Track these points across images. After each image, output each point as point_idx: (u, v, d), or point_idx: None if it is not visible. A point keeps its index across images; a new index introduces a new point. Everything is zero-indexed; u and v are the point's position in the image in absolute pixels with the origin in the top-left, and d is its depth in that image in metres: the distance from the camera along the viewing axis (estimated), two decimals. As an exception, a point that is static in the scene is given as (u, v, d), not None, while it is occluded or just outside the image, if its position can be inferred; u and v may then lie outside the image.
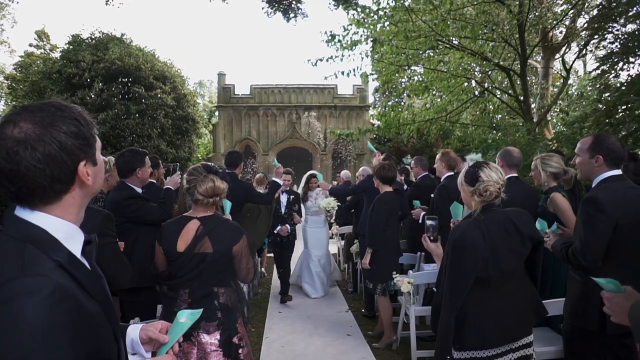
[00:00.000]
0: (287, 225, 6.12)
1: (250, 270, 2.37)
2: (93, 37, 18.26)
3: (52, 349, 0.80)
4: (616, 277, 1.70)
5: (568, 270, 2.63)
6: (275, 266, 6.58)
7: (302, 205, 6.56)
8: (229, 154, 4.77)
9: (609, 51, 7.93)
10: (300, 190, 6.70)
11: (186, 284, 2.23)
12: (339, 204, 6.27)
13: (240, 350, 2.29)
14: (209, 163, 2.42)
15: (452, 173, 4.47)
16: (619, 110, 6.15)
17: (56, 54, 20.20)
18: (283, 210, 6.18)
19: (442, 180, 4.54)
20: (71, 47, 17.87)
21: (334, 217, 7.85)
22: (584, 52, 10.17)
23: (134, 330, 1.27)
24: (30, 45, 23.69)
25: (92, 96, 16.36)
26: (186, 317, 1.29)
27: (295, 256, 6.65)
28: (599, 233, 2.23)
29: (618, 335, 2.30)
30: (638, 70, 7.49)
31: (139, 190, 3.35)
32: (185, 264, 2.20)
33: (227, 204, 3.48)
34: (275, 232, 6.04)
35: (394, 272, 4.09)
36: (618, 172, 2.40)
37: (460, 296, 2.14)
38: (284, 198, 6.22)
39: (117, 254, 2.35)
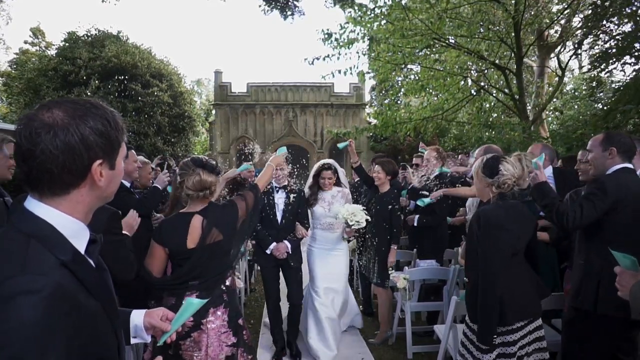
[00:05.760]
0: (286, 242, 3.91)
1: (254, 198, 2.48)
2: (89, 34, 18.19)
3: (45, 350, 0.79)
4: (603, 249, 1.99)
5: (574, 258, 2.75)
6: (266, 301, 4.26)
7: (308, 212, 4.28)
8: None
9: (603, 50, 7.99)
10: (305, 189, 4.30)
11: (197, 275, 2.25)
12: (368, 218, 3.97)
13: (244, 332, 2.35)
14: (199, 156, 2.42)
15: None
16: (618, 115, 6.22)
17: (52, 51, 20.10)
18: (279, 217, 3.94)
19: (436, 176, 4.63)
20: (67, 44, 17.80)
21: (356, 241, 4.92)
22: (578, 51, 10.21)
23: (138, 317, 1.34)
24: (25, 42, 23.63)
25: (89, 94, 16.29)
26: (195, 302, 1.40)
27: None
28: (595, 208, 2.44)
29: (622, 324, 2.38)
30: (633, 70, 7.54)
31: (127, 183, 3.35)
32: (198, 259, 2.21)
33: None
34: (269, 252, 3.90)
35: (390, 269, 4.13)
36: (630, 165, 2.57)
37: (497, 273, 2.30)
38: (279, 198, 3.97)
39: (124, 251, 2.36)
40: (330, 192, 4.22)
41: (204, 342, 2.17)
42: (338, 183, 4.31)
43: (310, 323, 4.13)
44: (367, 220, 3.93)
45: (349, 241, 4.57)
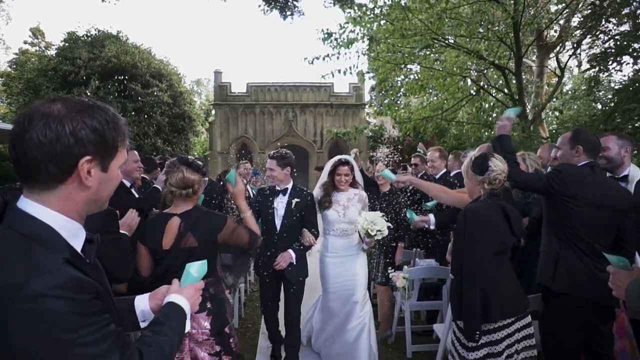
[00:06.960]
0: (291, 250, 3.41)
1: (247, 239, 2.32)
2: (89, 34, 18.23)
3: (91, 331, 0.85)
4: (561, 232, 2.38)
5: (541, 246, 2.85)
6: (263, 314, 3.90)
7: (319, 216, 3.71)
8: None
9: (602, 50, 8.01)
10: (316, 191, 3.78)
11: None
12: (389, 224, 3.46)
13: (231, 340, 2.32)
14: (187, 156, 2.43)
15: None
16: (617, 115, 6.25)
17: (51, 52, 20.11)
18: (278, 224, 3.44)
19: (441, 176, 4.69)
20: (67, 44, 17.83)
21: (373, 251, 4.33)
22: (577, 51, 10.24)
23: (143, 301, 1.35)
24: (25, 42, 23.56)
25: (89, 94, 16.31)
26: (195, 270, 1.36)
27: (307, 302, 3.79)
28: (546, 180, 2.62)
29: (586, 310, 2.49)
30: (632, 69, 7.57)
31: (127, 183, 3.38)
32: (173, 262, 2.21)
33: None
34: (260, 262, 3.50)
35: (389, 267, 4.13)
36: (594, 161, 2.72)
37: (480, 270, 2.29)
38: (279, 202, 3.47)
39: (121, 250, 2.36)
40: (346, 194, 3.68)
41: (185, 347, 2.16)
42: (354, 184, 3.77)
43: (318, 333, 3.84)
44: (388, 227, 3.42)
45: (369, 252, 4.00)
